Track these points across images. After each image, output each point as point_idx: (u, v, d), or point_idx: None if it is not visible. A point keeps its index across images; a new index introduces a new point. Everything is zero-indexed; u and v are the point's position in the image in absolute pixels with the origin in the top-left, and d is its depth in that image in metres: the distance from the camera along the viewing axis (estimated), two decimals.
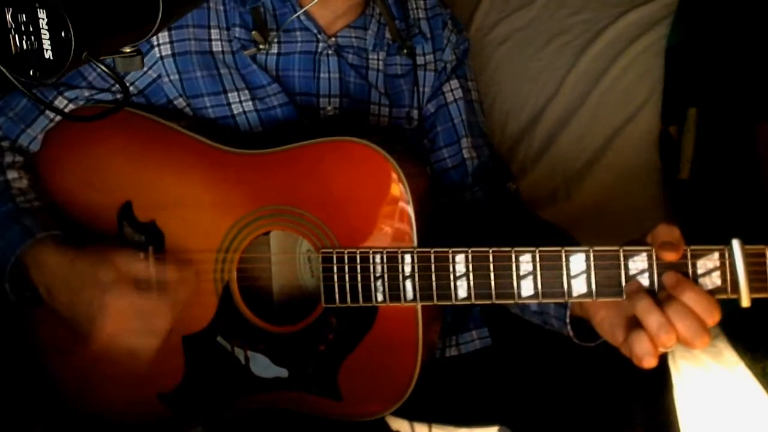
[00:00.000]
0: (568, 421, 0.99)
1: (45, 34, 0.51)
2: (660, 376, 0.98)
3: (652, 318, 0.73)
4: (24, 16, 0.51)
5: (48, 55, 0.52)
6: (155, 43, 0.99)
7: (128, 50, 0.61)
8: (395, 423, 1.09)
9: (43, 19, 0.51)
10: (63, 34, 0.51)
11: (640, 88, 1.55)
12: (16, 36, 0.51)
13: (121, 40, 0.60)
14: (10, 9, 0.51)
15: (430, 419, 1.08)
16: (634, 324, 0.75)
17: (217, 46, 1.01)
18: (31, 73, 0.53)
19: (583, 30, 1.57)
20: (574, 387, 0.98)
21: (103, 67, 0.56)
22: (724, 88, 1.54)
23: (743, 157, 1.54)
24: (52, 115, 0.99)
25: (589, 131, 1.54)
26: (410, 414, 1.09)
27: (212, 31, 1.01)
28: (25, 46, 0.52)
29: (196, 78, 1.00)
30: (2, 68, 0.52)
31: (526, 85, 1.57)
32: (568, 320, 0.86)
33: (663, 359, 0.99)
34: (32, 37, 0.51)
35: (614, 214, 1.50)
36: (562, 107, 1.55)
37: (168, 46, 0.99)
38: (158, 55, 0.99)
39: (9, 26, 0.51)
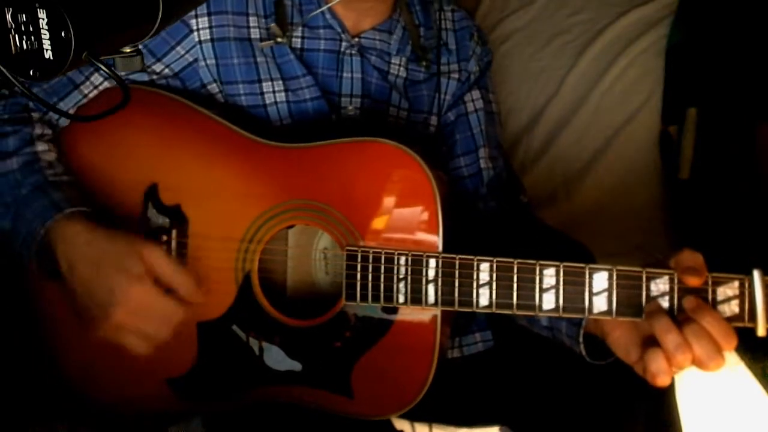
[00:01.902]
0: (569, 421, 0.99)
1: (45, 34, 0.51)
2: None
3: (669, 337, 0.74)
4: (24, 16, 0.51)
5: (48, 55, 0.51)
6: (195, 27, 0.99)
7: (128, 50, 0.61)
8: (396, 423, 1.09)
9: (43, 19, 0.51)
10: (63, 34, 0.51)
11: (640, 88, 1.55)
12: (16, 36, 0.51)
13: (121, 40, 0.60)
14: (10, 9, 0.51)
15: (431, 419, 1.08)
16: (650, 343, 0.76)
17: (255, 34, 1.02)
18: (31, 73, 0.52)
19: (583, 30, 1.57)
20: (575, 387, 0.98)
21: (103, 67, 0.56)
22: (724, 88, 1.54)
23: (743, 157, 1.54)
24: (86, 91, 0.99)
25: (589, 131, 1.54)
26: (411, 414, 1.09)
27: (251, 18, 1.02)
28: (25, 46, 0.51)
29: (232, 65, 1.01)
30: (2, 68, 0.52)
31: (526, 85, 1.57)
32: (581, 339, 0.86)
33: None
34: (32, 37, 0.51)
35: (614, 214, 1.50)
36: (562, 107, 1.55)
37: (207, 31, 0.99)
38: (197, 39, 0.99)
39: (9, 26, 0.51)
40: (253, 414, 0.99)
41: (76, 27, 0.51)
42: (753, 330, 0.78)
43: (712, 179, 1.54)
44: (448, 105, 1.14)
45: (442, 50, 1.13)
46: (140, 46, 0.62)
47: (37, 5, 0.50)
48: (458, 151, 1.13)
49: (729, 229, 1.47)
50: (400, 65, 1.10)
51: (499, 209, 1.12)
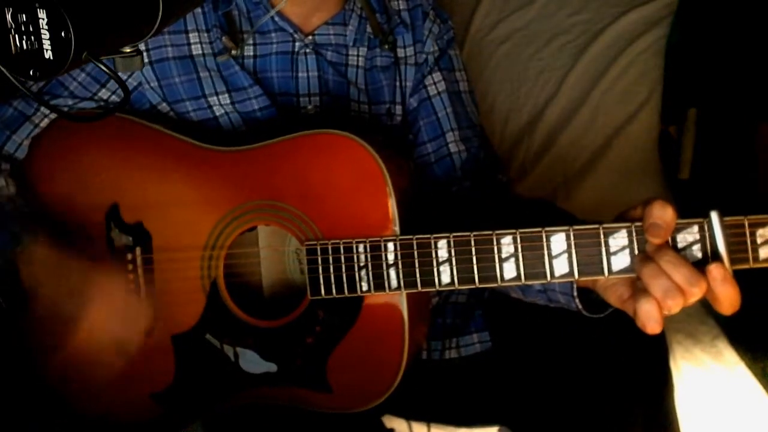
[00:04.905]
0: (568, 421, 0.98)
1: (45, 34, 0.51)
2: (660, 377, 0.98)
3: (658, 282, 0.72)
4: (24, 16, 0.51)
5: (48, 55, 0.52)
6: None
7: (128, 50, 0.61)
8: (394, 422, 1.09)
9: (43, 19, 0.51)
10: (63, 34, 0.51)
11: (640, 88, 1.55)
12: (16, 36, 0.51)
13: (121, 40, 0.60)
14: (10, 9, 0.51)
15: (429, 419, 1.08)
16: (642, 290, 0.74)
17: (197, 49, 1.01)
18: (31, 73, 0.52)
19: (583, 30, 1.57)
20: (574, 387, 0.98)
21: (103, 67, 0.56)
22: (724, 88, 1.54)
23: (743, 157, 1.54)
24: (37, 120, 1.00)
25: (589, 131, 1.54)
26: (409, 414, 1.09)
27: (191, 35, 1.01)
28: (25, 46, 0.51)
29: (175, 84, 1.01)
30: (2, 68, 0.52)
31: (526, 85, 1.57)
32: (575, 293, 0.84)
33: (664, 359, 0.99)
34: (32, 37, 0.51)
35: (614, 214, 1.49)
36: (562, 107, 1.55)
37: (144, 54, 0.99)
38: None
39: (9, 26, 0.51)
40: (252, 415, 0.99)
41: (76, 27, 0.51)
42: (748, 322, 0.76)
43: (712, 179, 1.54)
44: (410, 91, 1.12)
45: (402, 31, 1.10)
46: (138, 49, 0.62)
47: (37, 5, 0.50)
48: (424, 137, 1.11)
49: None
50: (358, 56, 1.08)
51: (476, 190, 1.10)
